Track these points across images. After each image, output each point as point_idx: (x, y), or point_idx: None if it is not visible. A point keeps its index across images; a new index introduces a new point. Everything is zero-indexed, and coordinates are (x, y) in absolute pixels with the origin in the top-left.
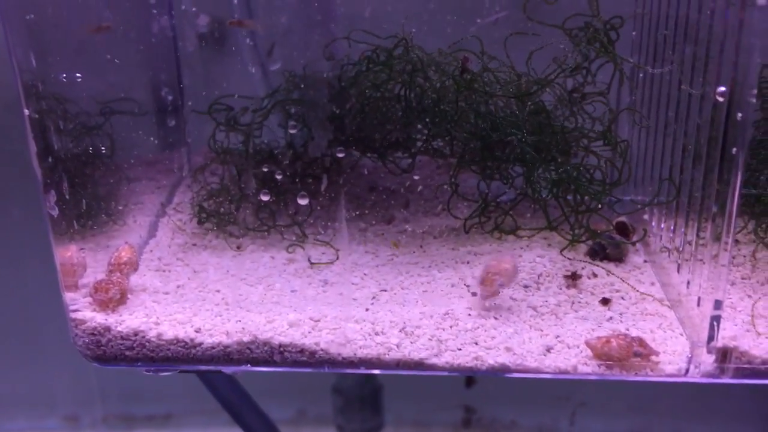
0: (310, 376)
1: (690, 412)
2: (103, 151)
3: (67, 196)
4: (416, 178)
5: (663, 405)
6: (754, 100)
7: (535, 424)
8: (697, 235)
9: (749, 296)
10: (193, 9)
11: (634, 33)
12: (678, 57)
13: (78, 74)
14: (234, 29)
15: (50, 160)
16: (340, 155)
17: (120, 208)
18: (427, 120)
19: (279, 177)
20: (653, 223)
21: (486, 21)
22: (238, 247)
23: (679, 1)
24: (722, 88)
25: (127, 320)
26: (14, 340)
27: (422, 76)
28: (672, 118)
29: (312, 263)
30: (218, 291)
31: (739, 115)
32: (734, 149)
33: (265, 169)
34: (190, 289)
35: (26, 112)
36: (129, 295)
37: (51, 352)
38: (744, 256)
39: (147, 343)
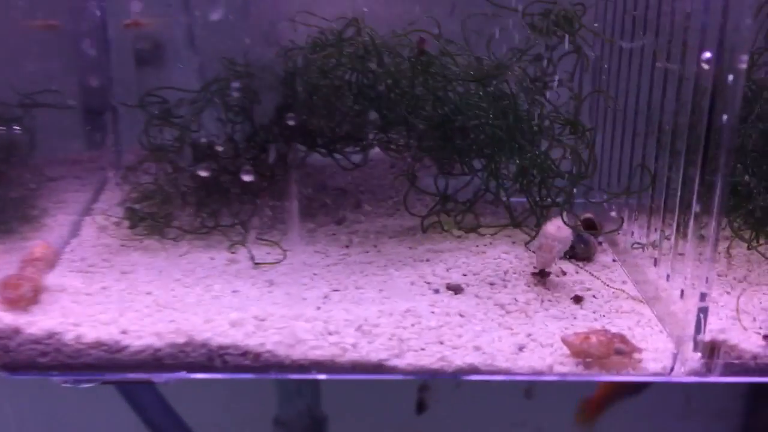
0: (250, 405)
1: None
2: (22, 146)
3: None
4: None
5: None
6: (744, 66)
7: None
8: (677, 229)
9: (728, 293)
10: None
11: (596, 24)
12: (650, 35)
13: None
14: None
15: None
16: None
17: (39, 206)
18: (382, 108)
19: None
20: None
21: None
22: (176, 249)
23: None
24: (708, 54)
25: (40, 321)
26: None
27: (375, 59)
28: (643, 107)
29: (256, 263)
30: (149, 293)
31: (730, 77)
32: (724, 117)
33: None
34: (115, 291)
35: None
36: (44, 295)
37: None
38: (719, 253)
39: (64, 347)
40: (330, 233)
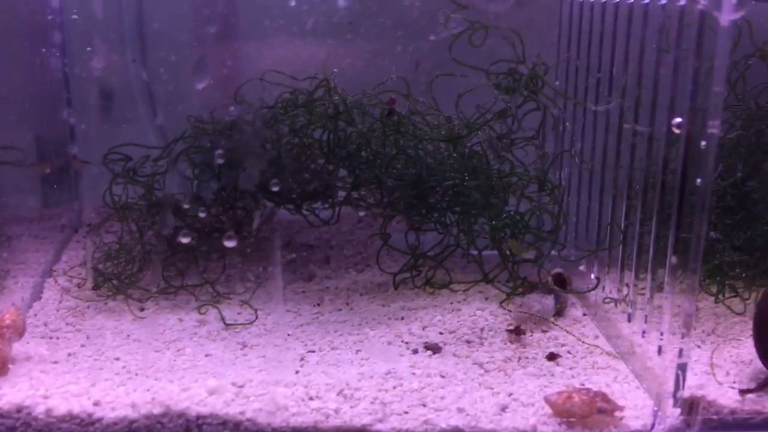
0: None
1: None
2: None
3: None
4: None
5: None
6: (716, 131)
7: None
8: (652, 283)
9: (698, 346)
10: (88, 49)
11: (557, 82)
12: (616, 97)
13: None
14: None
15: None
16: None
17: None
18: (353, 166)
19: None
20: (592, 276)
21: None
22: (141, 310)
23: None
24: (678, 119)
25: (8, 394)
26: None
27: (346, 119)
28: (612, 163)
29: (228, 324)
30: (117, 359)
31: (703, 143)
32: (698, 180)
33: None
34: (83, 357)
35: None
36: (10, 365)
37: None
38: (694, 306)
39: (33, 422)
40: (300, 290)
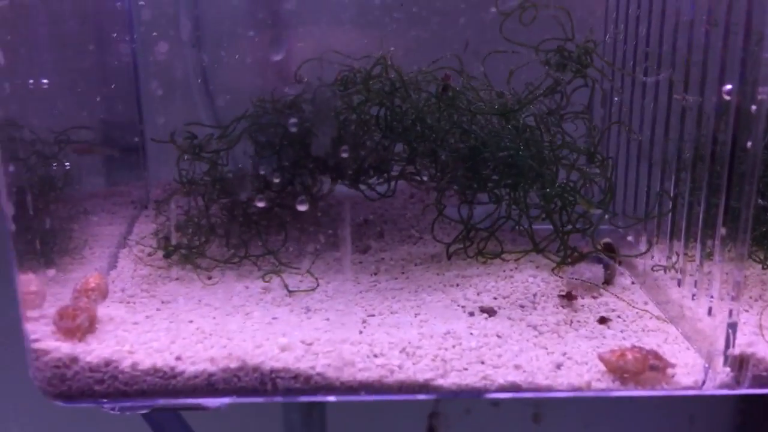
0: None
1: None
2: (61, 181)
3: (28, 227)
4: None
5: None
6: (766, 97)
7: None
8: (701, 252)
9: (746, 311)
10: (153, 34)
11: (602, 62)
12: (666, 68)
13: (45, 80)
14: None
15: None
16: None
17: (77, 239)
18: (408, 140)
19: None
20: (640, 246)
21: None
22: (209, 278)
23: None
24: (728, 86)
25: (96, 349)
26: None
27: (402, 95)
28: (660, 135)
29: (291, 291)
30: (191, 321)
31: (753, 108)
32: (749, 143)
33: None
34: (160, 320)
35: None
36: (97, 325)
37: None
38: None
39: (120, 375)
40: (357, 261)
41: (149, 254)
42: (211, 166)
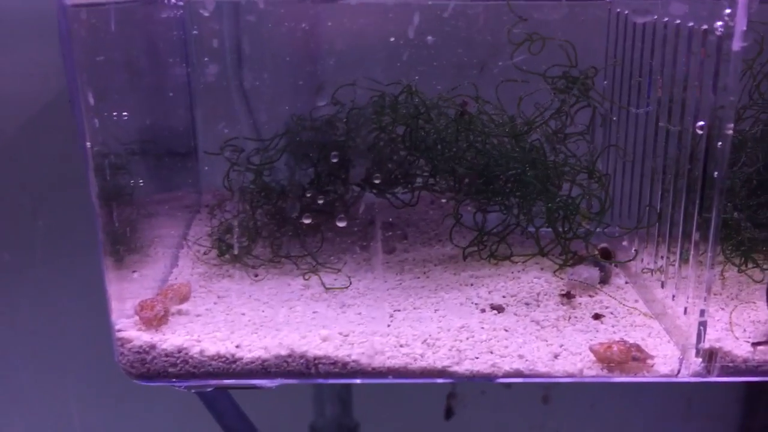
0: (288, 413)
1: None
2: (137, 186)
3: (116, 227)
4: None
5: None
6: (731, 132)
7: None
8: (680, 257)
9: (722, 309)
10: (205, 59)
11: (605, 82)
12: (654, 99)
13: (125, 113)
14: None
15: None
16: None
17: (142, 240)
18: (430, 157)
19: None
20: (632, 250)
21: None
22: (255, 276)
23: (647, 53)
24: (701, 123)
25: (170, 338)
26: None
27: (425, 118)
28: (650, 154)
29: (327, 288)
30: (244, 314)
31: (719, 143)
32: (715, 173)
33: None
34: (218, 313)
35: (88, 145)
36: (170, 317)
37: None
38: (714, 275)
39: (190, 359)
40: (383, 262)
41: (204, 253)
42: (257, 175)
